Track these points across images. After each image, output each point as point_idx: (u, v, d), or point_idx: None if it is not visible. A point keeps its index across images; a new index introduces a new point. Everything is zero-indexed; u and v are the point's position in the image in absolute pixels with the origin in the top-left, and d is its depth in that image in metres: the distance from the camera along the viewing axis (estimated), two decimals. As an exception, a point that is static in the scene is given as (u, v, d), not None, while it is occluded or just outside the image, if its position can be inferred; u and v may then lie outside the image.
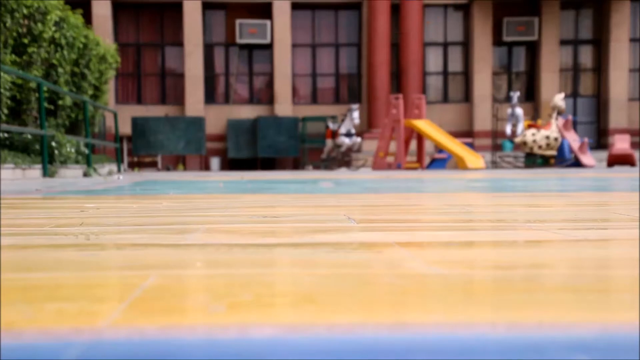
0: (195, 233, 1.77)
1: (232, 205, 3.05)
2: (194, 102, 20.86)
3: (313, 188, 5.18)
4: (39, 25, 9.97)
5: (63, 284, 1.02)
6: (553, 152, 16.71)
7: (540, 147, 16.68)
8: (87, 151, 12.00)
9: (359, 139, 18.26)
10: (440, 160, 17.41)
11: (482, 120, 21.49)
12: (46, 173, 9.58)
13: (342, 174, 11.88)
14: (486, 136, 21.36)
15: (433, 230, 1.84)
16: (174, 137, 19.57)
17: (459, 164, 15.83)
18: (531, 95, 22.18)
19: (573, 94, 22.18)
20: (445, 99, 22.07)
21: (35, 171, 9.39)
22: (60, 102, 11.41)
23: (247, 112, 21.31)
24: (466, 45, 21.89)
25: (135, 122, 19.47)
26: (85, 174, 11.31)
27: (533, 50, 21.99)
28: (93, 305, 0.87)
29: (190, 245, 1.50)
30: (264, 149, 19.90)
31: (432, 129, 16.39)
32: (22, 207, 3.05)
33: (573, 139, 16.85)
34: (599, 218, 2.18)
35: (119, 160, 15.26)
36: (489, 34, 21.33)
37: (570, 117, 17.31)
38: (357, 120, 17.84)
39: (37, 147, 9.99)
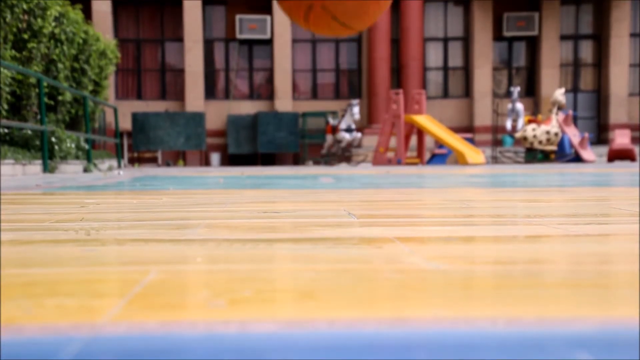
0: (196, 228, 1.77)
1: (233, 200, 3.05)
2: (194, 97, 20.85)
3: (313, 183, 5.18)
4: (39, 20, 9.96)
5: (63, 279, 1.02)
6: (553, 147, 16.70)
7: (540, 142, 16.68)
8: (87, 147, 12.00)
9: (359, 135, 18.25)
10: (441, 156, 17.41)
11: (483, 115, 21.48)
12: (46, 169, 9.58)
13: (342, 169, 11.88)
14: (486, 131, 21.35)
15: (433, 226, 1.84)
16: (174, 132, 19.56)
17: (459, 160, 15.83)
18: (531, 90, 22.17)
19: (573, 89, 22.16)
20: (445, 94, 22.06)
21: (36, 167, 9.39)
22: (60, 98, 11.41)
23: (247, 108, 21.30)
24: (466, 41, 21.87)
25: (135, 117, 19.47)
26: (86, 170, 11.31)
27: (533, 45, 21.97)
28: (93, 300, 0.87)
29: (190, 241, 1.50)
30: (264, 144, 19.89)
31: (433, 125, 16.38)
32: (22, 202, 3.05)
33: (573, 134, 16.84)
34: (599, 213, 2.18)
35: (119, 155, 15.26)
36: (489, 29, 21.31)
37: (570, 112, 17.30)
38: (357, 116, 17.83)
39: (37, 142, 9.99)
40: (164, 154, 21.01)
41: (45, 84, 10.12)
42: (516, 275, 1.03)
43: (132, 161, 20.69)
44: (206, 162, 20.88)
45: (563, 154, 16.59)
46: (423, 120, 16.26)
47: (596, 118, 22.24)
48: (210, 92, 21.51)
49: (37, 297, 0.88)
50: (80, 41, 12.06)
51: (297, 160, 20.83)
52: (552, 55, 21.54)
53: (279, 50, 20.95)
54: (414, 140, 17.59)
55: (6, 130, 9.64)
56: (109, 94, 17.81)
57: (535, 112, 21.33)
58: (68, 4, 11.57)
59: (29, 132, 9.95)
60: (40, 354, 0.63)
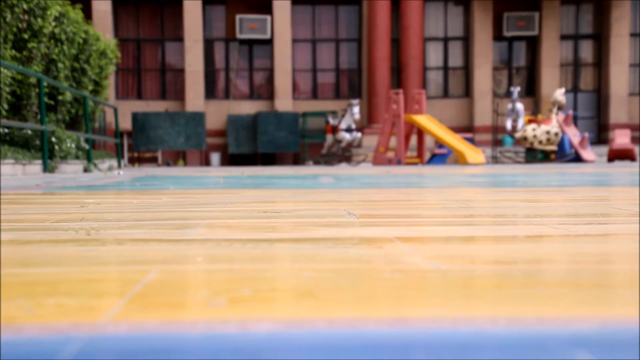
0: (196, 228, 1.77)
1: (233, 200, 3.05)
2: (194, 97, 20.84)
3: (313, 183, 5.18)
4: (39, 20, 9.96)
5: (64, 279, 1.02)
6: (553, 147, 16.70)
7: (540, 142, 16.67)
8: (87, 146, 11.99)
9: (359, 134, 18.25)
10: (441, 156, 17.41)
11: (483, 115, 21.48)
12: (46, 168, 9.58)
13: (342, 169, 11.88)
14: (486, 131, 21.34)
15: (433, 226, 1.84)
16: (174, 132, 19.55)
17: (459, 159, 15.82)
18: (532, 90, 22.16)
19: (573, 89, 22.15)
20: (445, 94, 22.05)
21: (36, 166, 9.39)
22: (60, 98, 11.40)
23: (247, 108, 21.30)
24: (466, 40, 21.86)
25: (136, 117, 19.46)
26: (86, 170, 11.31)
27: (533, 45, 21.96)
28: (94, 300, 0.87)
29: (190, 241, 1.50)
30: (264, 144, 19.88)
31: (433, 124, 16.38)
32: (22, 202, 3.05)
33: (573, 134, 16.84)
34: (600, 213, 2.18)
35: (119, 155, 15.26)
36: (490, 29, 21.30)
37: (570, 112, 17.30)
38: (357, 116, 17.83)
39: (37, 142, 9.99)
40: (164, 153, 21.01)
41: (45, 83, 10.12)
42: (516, 275, 1.03)
43: (132, 161, 20.68)
44: (206, 162, 20.87)
45: (563, 154, 16.59)
46: (423, 120, 16.25)
47: (596, 118, 22.24)
48: (210, 91, 21.51)
49: (37, 297, 0.88)
50: (81, 41, 12.06)
51: (297, 160, 20.83)
52: (552, 55, 21.54)
53: (279, 50, 20.94)
54: (414, 140, 17.59)
55: (6, 130, 9.63)
56: (109, 93, 17.81)
57: (535, 112, 21.32)
58: (68, 3, 11.56)
59: (29, 132, 9.95)
60: (40, 354, 0.62)
